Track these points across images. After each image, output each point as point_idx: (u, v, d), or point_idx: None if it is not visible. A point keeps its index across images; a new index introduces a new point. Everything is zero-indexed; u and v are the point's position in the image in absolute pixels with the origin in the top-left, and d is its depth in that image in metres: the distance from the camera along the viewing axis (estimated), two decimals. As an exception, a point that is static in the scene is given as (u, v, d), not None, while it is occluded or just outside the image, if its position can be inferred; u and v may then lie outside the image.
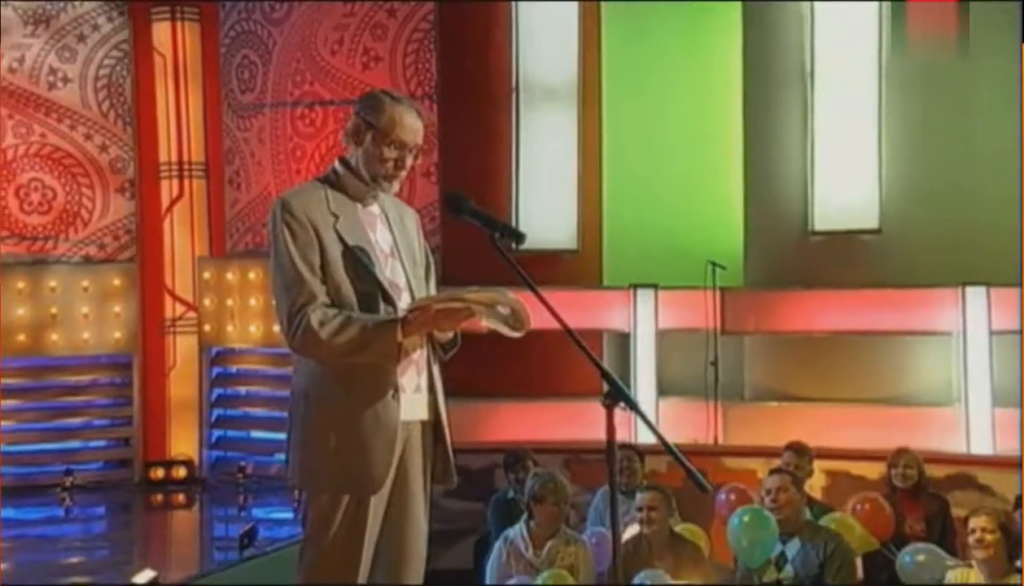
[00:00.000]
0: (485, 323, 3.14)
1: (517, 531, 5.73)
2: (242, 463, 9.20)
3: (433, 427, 3.30)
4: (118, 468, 9.98)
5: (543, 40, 8.91)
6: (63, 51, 10.02)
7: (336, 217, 3.19)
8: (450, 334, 3.26)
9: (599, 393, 10.16)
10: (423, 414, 3.26)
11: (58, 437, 9.92)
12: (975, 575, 5.09)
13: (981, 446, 7.65)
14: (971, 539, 5.07)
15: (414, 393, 3.22)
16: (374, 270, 3.18)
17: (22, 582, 7.16)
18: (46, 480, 9.46)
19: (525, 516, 5.72)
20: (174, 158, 10.12)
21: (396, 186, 3.27)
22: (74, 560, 7.86)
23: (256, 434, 10.03)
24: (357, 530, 3.14)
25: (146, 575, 6.13)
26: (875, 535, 6.31)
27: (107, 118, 10.05)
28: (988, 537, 4.98)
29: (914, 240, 7.96)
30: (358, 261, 3.17)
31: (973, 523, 5.08)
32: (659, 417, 8.46)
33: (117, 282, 9.96)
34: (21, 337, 9.73)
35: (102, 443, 10.06)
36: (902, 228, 8.01)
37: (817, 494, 7.28)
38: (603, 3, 8.96)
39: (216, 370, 10.18)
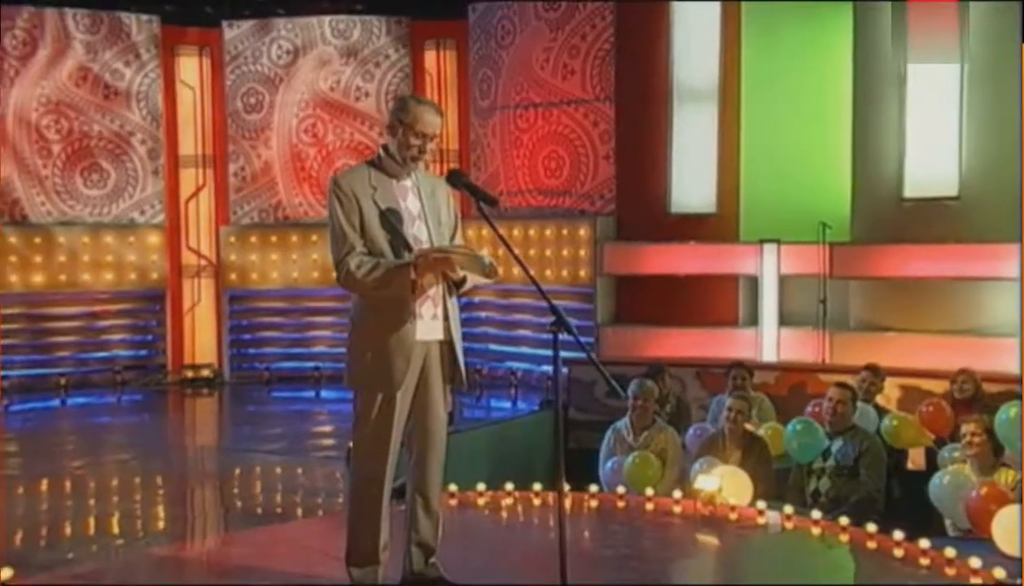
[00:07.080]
0: (462, 272, 3.34)
1: (623, 422, 5.81)
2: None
3: (449, 345, 3.42)
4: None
5: (692, 52, 9.05)
6: (365, 74, 10.91)
7: (375, 189, 3.34)
8: (461, 275, 3.37)
9: (727, 323, 10.45)
10: (439, 335, 3.39)
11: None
12: (967, 468, 5.03)
13: (1036, 369, 7.43)
14: (963, 441, 5.00)
15: (431, 319, 3.36)
16: (401, 228, 3.34)
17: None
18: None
19: (629, 411, 5.86)
20: (438, 147, 10.91)
21: (421, 165, 3.42)
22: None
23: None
24: (387, 419, 3.32)
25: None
26: (935, 432, 6.33)
27: (394, 121, 11.03)
28: (976, 439, 4.92)
29: (986, 206, 7.81)
30: (388, 222, 3.33)
31: (964, 428, 5.00)
32: (780, 342, 8.66)
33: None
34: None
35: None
36: (977, 196, 7.86)
37: (892, 404, 7.29)
38: (743, 3, 8.86)
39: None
